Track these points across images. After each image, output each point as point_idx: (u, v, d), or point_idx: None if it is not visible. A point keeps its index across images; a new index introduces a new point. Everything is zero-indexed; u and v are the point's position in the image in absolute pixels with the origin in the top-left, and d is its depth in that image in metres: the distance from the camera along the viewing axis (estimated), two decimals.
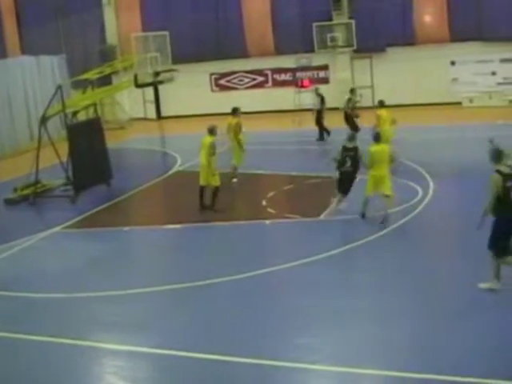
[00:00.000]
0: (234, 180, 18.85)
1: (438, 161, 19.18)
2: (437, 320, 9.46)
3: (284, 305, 10.46)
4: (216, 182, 15.99)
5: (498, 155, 9.83)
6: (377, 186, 14.04)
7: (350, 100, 23.47)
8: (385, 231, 13.44)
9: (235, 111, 19.33)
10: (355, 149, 14.57)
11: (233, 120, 19.04)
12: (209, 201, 16.08)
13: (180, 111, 34.56)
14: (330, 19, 31.83)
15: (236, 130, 18.85)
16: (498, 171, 9.72)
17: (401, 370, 8.11)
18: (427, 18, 31.48)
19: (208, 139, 15.91)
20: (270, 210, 15.84)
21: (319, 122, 24.47)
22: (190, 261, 12.95)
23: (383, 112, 19.32)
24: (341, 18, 31.73)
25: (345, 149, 14.63)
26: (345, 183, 14.70)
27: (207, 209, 16.05)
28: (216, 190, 16.03)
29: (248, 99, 26.69)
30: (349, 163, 14.51)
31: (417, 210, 14.72)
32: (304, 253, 12.43)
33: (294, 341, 9.18)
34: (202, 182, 16.10)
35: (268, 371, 8.48)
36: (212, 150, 15.81)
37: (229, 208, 16.31)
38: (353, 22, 31.22)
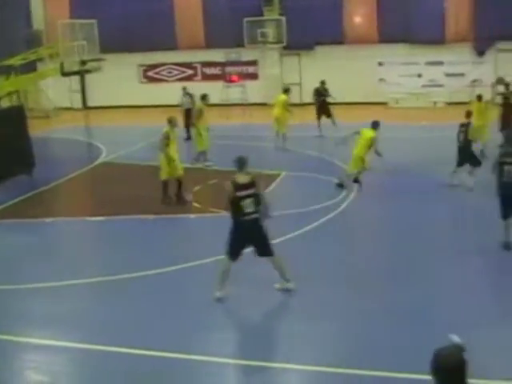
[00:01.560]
0: (207, 163, 19.44)
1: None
2: (364, 315, 9.61)
3: (209, 299, 10.34)
4: (179, 172, 15.88)
5: (239, 163, 10.05)
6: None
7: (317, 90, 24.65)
8: (308, 227, 13.57)
9: (202, 98, 19.85)
10: (468, 124, 15.96)
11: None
12: (175, 192, 15.97)
13: (107, 102, 34.04)
14: (261, 15, 31.96)
15: (196, 116, 19.08)
16: (233, 180, 9.88)
17: (324, 365, 8.21)
18: (357, 19, 31.98)
19: (164, 129, 15.78)
20: (195, 204, 15.77)
21: (187, 121, 24.05)
22: (113, 254, 12.78)
23: (282, 96, 22.49)
24: (271, 15, 31.89)
25: (461, 125, 16.12)
26: (460, 156, 15.96)
27: (181, 201, 15.85)
28: (178, 181, 15.87)
29: (176, 92, 26.48)
30: (461, 138, 15.93)
31: (341, 207, 14.97)
32: None
33: (219, 335, 9.17)
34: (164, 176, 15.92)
35: (194, 365, 8.41)
36: (164, 140, 15.62)
37: (153, 202, 16.13)
38: (283, 18, 31.42)
